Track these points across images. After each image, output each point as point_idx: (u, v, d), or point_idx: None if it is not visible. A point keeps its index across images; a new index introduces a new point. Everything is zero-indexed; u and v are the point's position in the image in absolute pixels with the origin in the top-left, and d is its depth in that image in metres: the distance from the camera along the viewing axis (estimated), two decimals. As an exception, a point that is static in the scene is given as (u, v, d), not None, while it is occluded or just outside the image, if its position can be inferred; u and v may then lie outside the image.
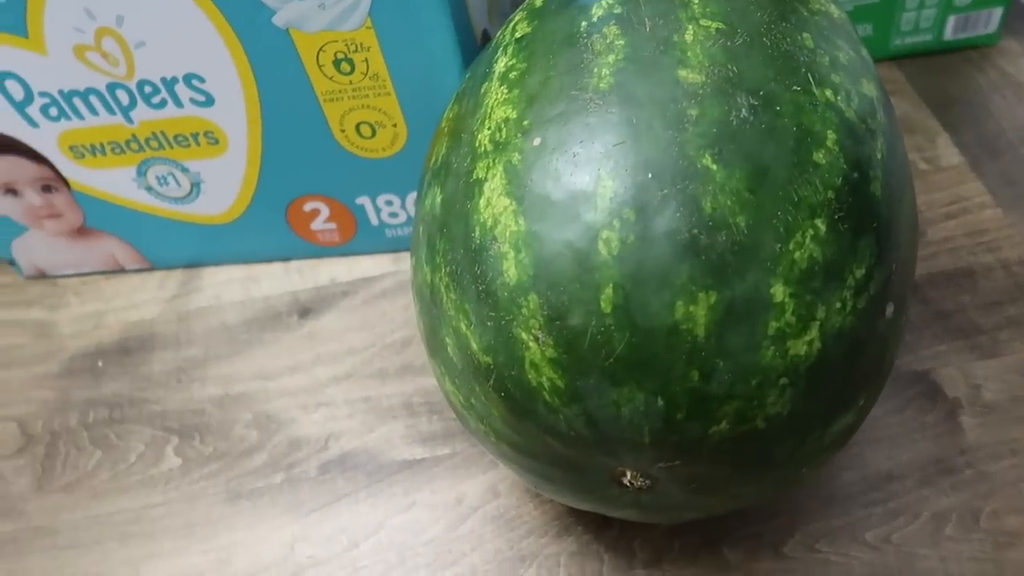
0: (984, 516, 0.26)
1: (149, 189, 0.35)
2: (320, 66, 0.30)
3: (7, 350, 0.36)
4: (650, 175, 0.18)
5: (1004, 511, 0.26)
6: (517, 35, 0.22)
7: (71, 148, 0.33)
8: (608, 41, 0.20)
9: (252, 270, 0.38)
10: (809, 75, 0.19)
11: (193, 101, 0.31)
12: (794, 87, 0.19)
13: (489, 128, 0.20)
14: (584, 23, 0.21)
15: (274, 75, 0.30)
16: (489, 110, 0.21)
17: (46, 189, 0.35)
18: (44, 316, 0.37)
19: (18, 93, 0.31)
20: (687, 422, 0.18)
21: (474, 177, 0.20)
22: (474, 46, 0.31)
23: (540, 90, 0.20)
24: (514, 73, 0.21)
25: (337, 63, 0.30)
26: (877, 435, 0.28)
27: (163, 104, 0.31)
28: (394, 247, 0.37)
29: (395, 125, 0.32)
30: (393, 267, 0.37)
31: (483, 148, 0.20)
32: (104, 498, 0.31)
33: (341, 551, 0.28)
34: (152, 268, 0.38)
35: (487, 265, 0.19)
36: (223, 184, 0.34)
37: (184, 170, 0.34)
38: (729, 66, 0.19)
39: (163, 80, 0.31)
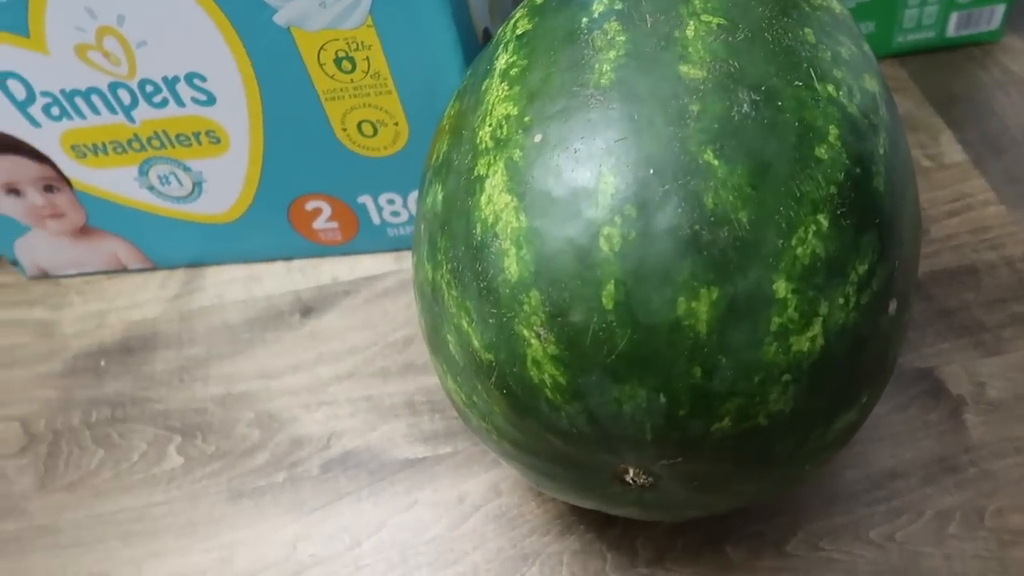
0: (988, 514, 0.26)
1: (151, 188, 0.35)
2: (321, 65, 0.30)
3: (10, 350, 0.36)
4: (651, 171, 0.18)
5: (1008, 509, 0.26)
6: (518, 32, 0.22)
7: (73, 148, 0.33)
8: (609, 37, 0.20)
9: (254, 269, 0.38)
10: (811, 70, 0.19)
11: (195, 100, 0.31)
12: (796, 82, 0.19)
13: (490, 125, 0.20)
14: (585, 19, 0.21)
15: (275, 74, 0.30)
16: (490, 107, 0.21)
17: (48, 189, 0.35)
18: (47, 316, 0.38)
19: (20, 93, 0.31)
20: (689, 419, 0.18)
21: (475, 174, 0.20)
22: (475, 44, 0.31)
23: (541, 86, 0.20)
24: (515, 70, 0.21)
25: (338, 61, 0.30)
26: (880, 433, 0.28)
27: (165, 103, 0.31)
28: (396, 246, 0.37)
29: (396, 124, 0.32)
30: (395, 266, 0.37)
31: (484, 145, 0.20)
32: (107, 497, 0.31)
33: (343, 550, 0.28)
34: (154, 268, 0.38)
35: (488, 262, 0.19)
36: (225, 183, 0.34)
37: (186, 169, 0.34)
38: (731, 61, 0.19)
39: (164, 79, 0.31)
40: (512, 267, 0.19)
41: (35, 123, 0.32)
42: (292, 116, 0.32)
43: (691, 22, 0.20)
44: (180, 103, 0.31)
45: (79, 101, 0.32)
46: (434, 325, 0.21)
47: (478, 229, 0.19)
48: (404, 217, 0.36)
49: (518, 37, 0.22)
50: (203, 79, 0.31)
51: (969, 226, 0.34)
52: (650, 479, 0.20)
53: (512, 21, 0.23)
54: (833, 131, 0.19)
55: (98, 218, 0.36)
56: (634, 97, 0.19)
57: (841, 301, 0.18)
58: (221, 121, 0.32)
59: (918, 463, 0.27)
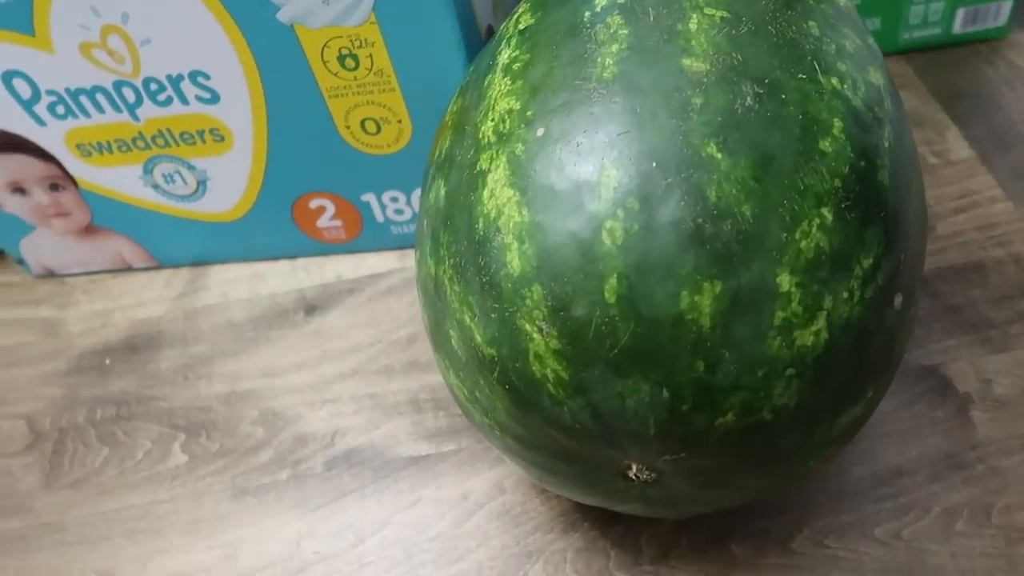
0: (995, 512, 0.26)
1: (156, 187, 0.35)
2: (324, 62, 0.30)
3: (16, 348, 0.36)
4: (654, 164, 0.18)
5: (1016, 506, 0.26)
6: (520, 27, 0.22)
7: (78, 146, 0.33)
8: (612, 31, 0.20)
9: (258, 268, 0.38)
10: (815, 63, 0.19)
11: (199, 98, 0.31)
12: (800, 75, 0.19)
13: (492, 120, 0.20)
14: (588, 13, 0.20)
15: (279, 72, 0.30)
16: (493, 102, 0.21)
17: (54, 188, 0.35)
18: (52, 314, 0.38)
19: (25, 91, 0.31)
20: (693, 414, 0.18)
21: (478, 169, 0.20)
22: (478, 41, 0.31)
23: (544, 81, 0.20)
24: (517, 64, 0.21)
25: (341, 59, 0.30)
26: (887, 430, 0.28)
27: (169, 102, 0.31)
28: (400, 244, 0.37)
29: (400, 121, 0.32)
30: (399, 264, 0.37)
31: (487, 140, 0.20)
32: (111, 495, 0.31)
33: (347, 547, 0.28)
34: (159, 266, 0.39)
35: (491, 257, 0.19)
36: (229, 182, 0.34)
37: (190, 168, 0.34)
38: (734, 54, 0.19)
39: (169, 77, 0.31)
40: (514, 261, 0.18)
41: (40, 122, 0.32)
42: (295, 114, 0.32)
43: (694, 15, 0.19)
44: (184, 101, 0.31)
45: (84, 100, 0.32)
46: (437, 321, 0.21)
47: (480, 224, 0.19)
48: (408, 215, 0.36)
49: (520, 32, 0.22)
50: (207, 77, 0.31)
51: (976, 223, 0.34)
52: (653, 475, 0.20)
53: (515, 16, 0.23)
54: (837, 124, 0.19)
55: (103, 217, 0.36)
56: (637, 90, 0.19)
57: (845, 295, 0.18)
58: (225, 119, 0.32)
59: (925, 460, 0.27)
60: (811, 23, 0.20)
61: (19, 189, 0.35)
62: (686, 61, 0.19)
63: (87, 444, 0.32)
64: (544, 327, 0.18)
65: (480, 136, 0.20)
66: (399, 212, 0.35)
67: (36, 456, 0.32)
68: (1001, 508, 0.26)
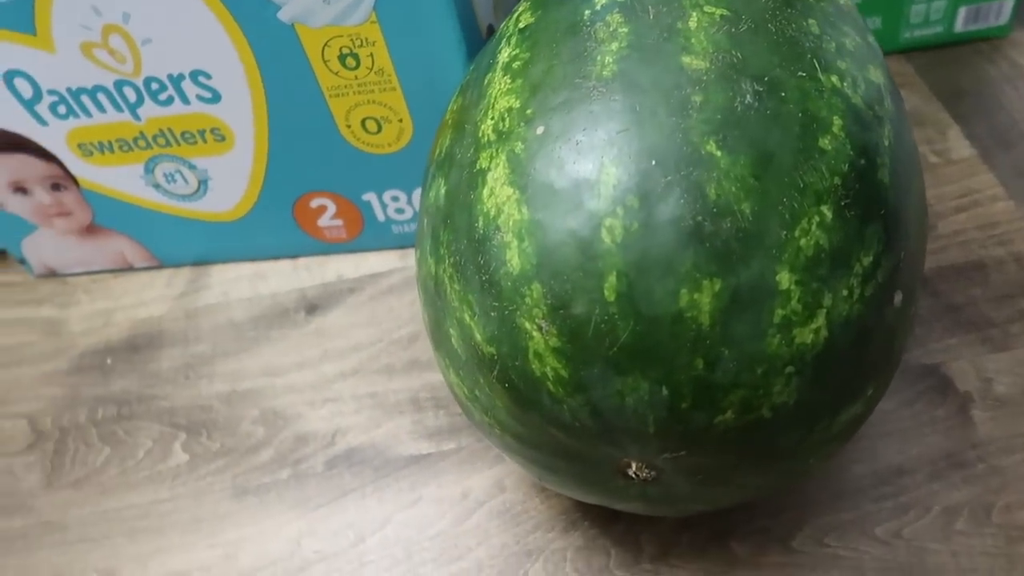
0: (996, 510, 0.26)
1: (157, 187, 0.35)
2: (325, 61, 0.30)
3: (18, 348, 0.37)
4: (654, 162, 0.18)
5: (1016, 505, 0.26)
6: (520, 25, 0.22)
7: (79, 146, 0.33)
8: (611, 29, 0.20)
9: (260, 267, 0.38)
10: (815, 61, 0.19)
11: (200, 98, 0.31)
12: (799, 73, 0.19)
13: (492, 118, 0.20)
14: (587, 12, 0.21)
15: (280, 71, 0.30)
16: (492, 100, 0.21)
17: (55, 187, 0.35)
18: (54, 314, 0.38)
19: (27, 91, 0.31)
20: (692, 411, 0.18)
21: (477, 167, 0.20)
22: (479, 41, 0.31)
23: (543, 79, 0.20)
24: (517, 63, 0.21)
25: (342, 58, 0.30)
26: (887, 429, 0.28)
27: (170, 101, 0.32)
28: (400, 243, 0.37)
29: (401, 120, 0.32)
30: (400, 263, 0.37)
31: (486, 138, 0.20)
32: (112, 494, 0.31)
33: (347, 546, 0.28)
34: (160, 266, 0.39)
35: (490, 255, 0.19)
36: (230, 181, 0.34)
37: (191, 167, 0.34)
38: (733, 52, 0.19)
39: (170, 77, 0.31)
40: (514, 260, 0.18)
41: (42, 121, 0.33)
42: (296, 113, 0.32)
43: (694, 13, 0.19)
44: (185, 101, 0.31)
45: (85, 99, 0.32)
46: (437, 320, 0.21)
47: (480, 222, 0.19)
48: (408, 214, 0.36)
49: (520, 31, 0.22)
50: (208, 76, 0.31)
51: (977, 222, 0.34)
52: (653, 473, 0.20)
53: (515, 15, 0.23)
54: (837, 122, 0.19)
55: (104, 216, 0.36)
56: (636, 88, 0.19)
57: (845, 293, 0.18)
58: (226, 119, 0.32)
59: (925, 459, 0.27)
60: (811, 21, 0.20)
61: (21, 189, 0.35)
62: (686, 59, 0.19)
63: (88, 443, 0.32)
64: (544, 325, 0.18)
65: (480, 135, 0.20)
66: (400, 211, 0.35)
67: (38, 455, 0.32)
68: (1002, 507, 0.26)
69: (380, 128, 0.32)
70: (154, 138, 0.33)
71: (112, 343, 0.36)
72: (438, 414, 0.31)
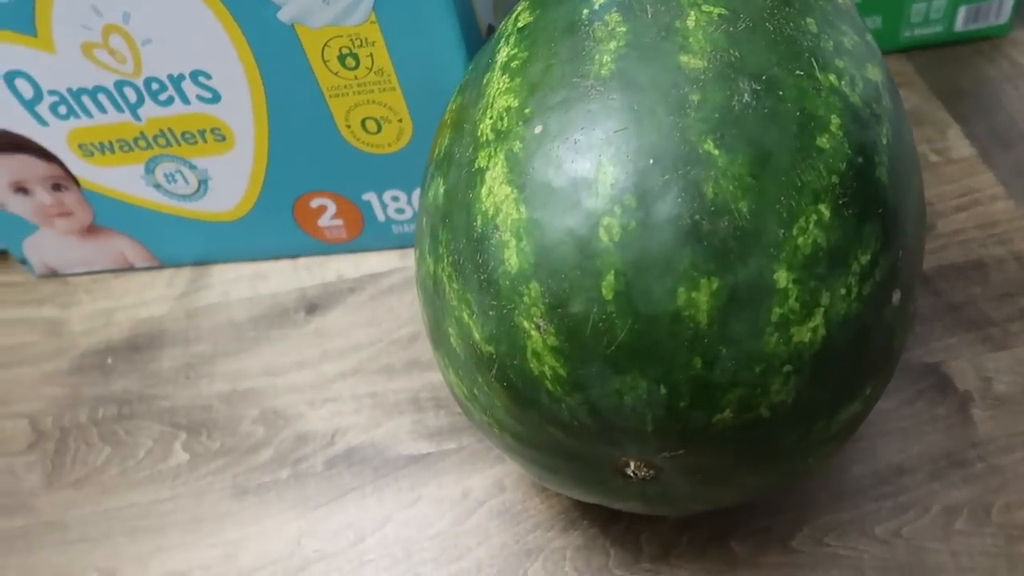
0: (996, 510, 0.26)
1: (157, 187, 0.35)
2: (325, 61, 0.30)
3: (19, 348, 0.37)
4: (651, 161, 0.18)
5: (1016, 505, 0.26)
6: (519, 25, 0.22)
7: (80, 146, 0.33)
8: (610, 28, 0.20)
9: (260, 267, 0.38)
10: (813, 60, 0.19)
11: (200, 98, 0.31)
12: (797, 72, 0.19)
13: (491, 117, 0.20)
14: (586, 11, 0.21)
15: (279, 71, 0.30)
16: (491, 99, 0.21)
17: (56, 188, 0.35)
18: (55, 314, 0.38)
19: (28, 92, 0.32)
20: (690, 410, 0.18)
21: (476, 166, 0.20)
22: (479, 41, 0.31)
23: (542, 78, 0.20)
24: (516, 62, 0.21)
25: (342, 58, 0.30)
26: (887, 428, 0.28)
27: (170, 101, 0.32)
28: (400, 243, 0.37)
29: (400, 120, 0.32)
30: (400, 263, 0.37)
31: (485, 137, 0.20)
32: (113, 493, 0.31)
33: (347, 546, 0.28)
34: (161, 266, 0.39)
35: (489, 254, 0.19)
36: (230, 181, 0.34)
37: (192, 167, 0.34)
38: (731, 51, 0.19)
39: (170, 77, 0.31)
40: (512, 259, 0.19)
41: (43, 122, 0.33)
42: (296, 113, 0.32)
43: (692, 12, 0.19)
44: (185, 101, 0.32)
45: (86, 100, 0.32)
46: (436, 319, 0.21)
47: (479, 221, 0.19)
48: (408, 214, 0.36)
49: (519, 30, 0.22)
50: (208, 77, 0.31)
51: (977, 221, 0.34)
52: (652, 472, 0.20)
53: (514, 14, 0.23)
54: (835, 120, 0.19)
55: (105, 217, 0.36)
56: (634, 87, 0.19)
57: (843, 291, 0.18)
58: (226, 119, 0.32)
59: (925, 458, 0.27)
60: (809, 20, 0.20)
61: (22, 189, 0.35)
62: (684, 58, 0.19)
63: (89, 443, 0.32)
64: (542, 324, 0.18)
65: (479, 134, 0.21)
66: (400, 211, 0.35)
67: (38, 455, 0.32)
68: (1001, 506, 0.26)
69: (380, 128, 0.32)
70: (154, 138, 0.33)
71: (113, 343, 0.36)
72: (438, 414, 0.31)
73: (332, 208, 0.35)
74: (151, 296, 0.38)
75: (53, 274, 0.39)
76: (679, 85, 0.18)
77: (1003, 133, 0.37)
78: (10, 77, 0.31)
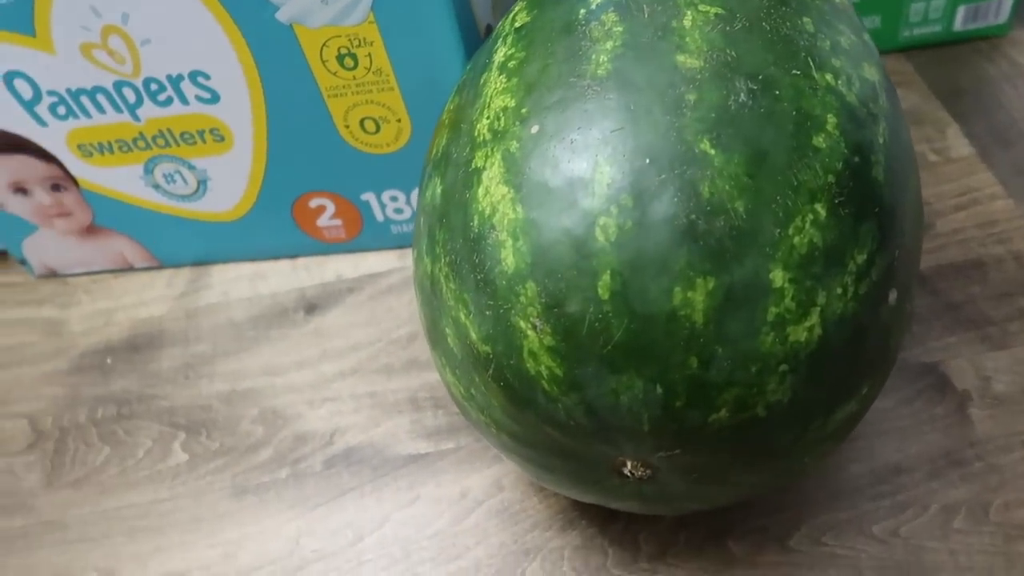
0: (994, 509, 0.26)
1: (156, 187, 0.35)
2: (324, 61, 0.30)
3: (18, 348, 0.37)
4: (648, 160, 0.18)
5: (1014, 504, 0.26)
6: (516, 25, 0.22)
7: (79, 147, 0.34)
8: (606, 28, 0.20)
9: (259, 267, 0.38)
10: (809, 59, 0.19)
11: (199, 98, 0.31)
12: (794, 71, 0.19)
13: (488, 117, 0.20)
14: (583, 11, 0.21)
15: (278, 71, 0.30)
16: (488, 99, 0.21)
17: (55, 188, 0.35)
18: (55, 314, 0.38)
19: (27, 92, 0.32)
20: (686, 410, 0.18)
21: (473, 166, 0.20)
22: (477, 41, 0.31)
23: (538, 78, 0.20)
24: (513, 62, 0.21)
25: (340, 58, 0.30)
26: (885, 427, 0.28)
27: (169, 102, 0.32)
28: (399, 243, 0.37)
29: (399, 120, 0.32)
30: (399, 263, 0.37)
31: (482, 137, 0.20)
32: (112, 493, 0.31)
33: (346, 545, 0.28)
34: (161, 266, 0.39)
35: (485, 254, 0.19)
36: (229, 181, 0.35)
37: (191, 168, 0.34)
38: (728, 51, 0.19)
39: (169, 78, 0.31)
40: (509, 258, 0.19)
41: (42, 122, 0.33)
42: (295, 113, 0.32)
43: (688, 12, 0.19)
44: (184, 101, 0.32)
45: (85, 100, 0.32)
46: (433, 319, 0.21)
47: (475, 221, 0.19)
48: (407, 214, 0.36)
49: (516, 30, 0.22)
50: (207, 77, 0.31)
51: (976, 220, 0.34)
52: (648, 471, 0.20)
53: (511, 14, 0.23)
54: (831, 120, 0.19)
55: (104, 217, 0.36)
56: (631, 87, 0.19)
57: (839, 291, 0.18)
58: (225, 119, 0.32)
59: (923, 457, 0.27)
60: (806, 19, 0.20)
61: (21, 190, 0.35)
62: (680, 58, 0.19)
63: (88, 443, 0.33)
64: (538, 324, 0.18)
65: (476, 134, 0.21)
66: (399, 211, 0.36)
67: (38, 455, 0.32)
68: (999, 505, 0.26)
69: (379, 128, 0.32)
70: (153, 139, 0.33)
71: (112, 343, 0.36)
72: (436, 414, 0.31)
73: (331, 208, 0.35)
74: (150, 296, 0.38)
75: (52, 274, 0.39)
76: (675, 85, 0.18)
77: (1002, 132, 0.37)
78: (9, 77, 0.31)
